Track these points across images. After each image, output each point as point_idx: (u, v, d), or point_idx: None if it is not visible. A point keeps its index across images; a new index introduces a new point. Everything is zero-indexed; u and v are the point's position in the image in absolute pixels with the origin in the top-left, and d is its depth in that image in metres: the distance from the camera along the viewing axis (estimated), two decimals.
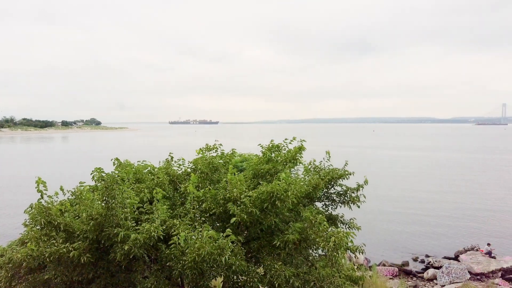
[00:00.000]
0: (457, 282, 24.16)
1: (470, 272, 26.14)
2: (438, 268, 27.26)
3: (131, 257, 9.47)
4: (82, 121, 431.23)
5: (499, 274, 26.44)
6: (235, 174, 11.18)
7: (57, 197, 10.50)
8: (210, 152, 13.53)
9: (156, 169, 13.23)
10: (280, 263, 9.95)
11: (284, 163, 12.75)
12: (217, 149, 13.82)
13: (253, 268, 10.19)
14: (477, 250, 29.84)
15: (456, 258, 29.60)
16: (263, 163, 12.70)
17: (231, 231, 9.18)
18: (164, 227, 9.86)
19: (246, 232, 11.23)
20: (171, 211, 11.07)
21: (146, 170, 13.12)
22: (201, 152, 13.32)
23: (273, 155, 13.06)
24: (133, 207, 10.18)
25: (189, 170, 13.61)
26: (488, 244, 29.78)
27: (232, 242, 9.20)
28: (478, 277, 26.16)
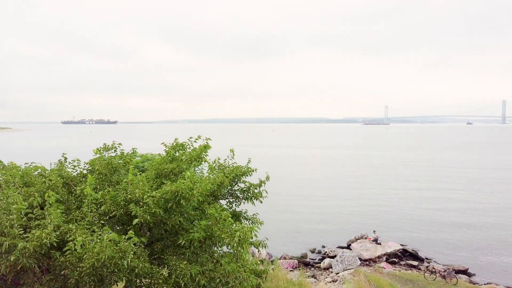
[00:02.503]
0: (349, 269, 26.31)
1: (360, 259, 28.68)
2: (333, 257, 29.39)
3: (18, 268, 8.57)
4: None
5: (384, 258, 29.45)
6: (136, 175, 10.77)
7: None
8: (109, 152, 12.83)
9: (47, 171, 12.14)
10: (186, 262, 9.85)
11: (189, 161, 12.64)
12: (116, 149, 13.16)
13: (157, 269, 9.94)
14: (365, 238, 32.81)
15: (348, 246, 32.21)
16: (167, 163, 12.44)
17: (133, 233, 8.83)
18: (58, 233, 9.10)
19: (149, 233, 10.90)
20: (65, 216, 10.27)
21: (36, 173, 11.97)
22: (98, 152, 12.57)
23: (177, 154, 12.86)
24: (21, 213, 9.21)
25: (85, 171, 12.76)
26: (374, 232, 32.90)
27: (135, 244, 8.85)
28: (367, 262, 28.81)
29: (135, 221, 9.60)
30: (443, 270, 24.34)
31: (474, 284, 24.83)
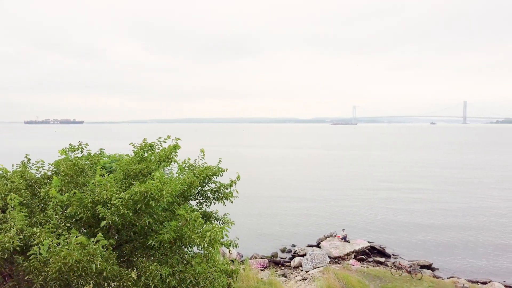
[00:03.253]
0: (319, 267, 26.70)
1: (329, 257, 29.16)
2: (303, 256, 29.75)
3: None
4: None
5: (353, 255, 30.07)
6: (104, 176, 10.55)
7: None
8: (75, 152, 12.50)
9: (9, 173, 11.70)
10: (155, 263, 9.73)
11: (158, 162, 12.49)
12: (83, 149, 12.83)
13: (126, 272, 9.77)
14: (334, 236, 33.39)
15: (318, 245, 32.68)
16: (135, 163, 12.24)
17: (101, 235, 8.65)
18: (22, 237, 8.80)
19: (117, 235, 10.70)
20: (29, 219, 9.93)
21: None
22: (64, 153, 12.22)
23: (146, 154, 12.68)
24: None
25: (50, 173, 12.37)
26: (343, 230, 33.54)
27: (103, 247, 8.67)
28: (336, 260, 29.33)
29: (103, 223, 9.41)
30: (408, 266, 25.11)
31: (437, 278, 25.73)
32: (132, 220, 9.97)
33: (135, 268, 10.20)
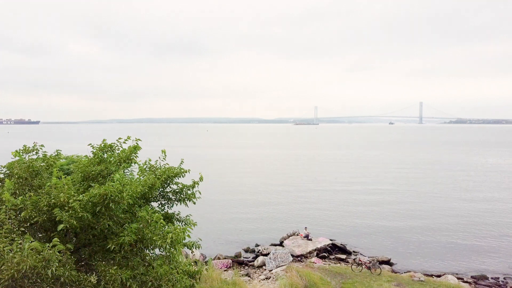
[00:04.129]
0: (282, 265, 27.00)
1: (292, 255, 29.56)
2: (266, 255, 29.98)
3: None
4: None
5: (315, 253, 30.64)
6: (61, 178, 10.22)
7: None
8: (30, 154, 12.01)
9: None
10: (116, 267, 9.54)
11: (118, 163, 12.23)
12: (38, 150, 12.34)
13: (85, 277, 9.51)
14: (297, 235, 33.87)
15: (281, 244, 33.03)
16: (94, 165, 11.93)
17: (58, 240, 8.38)
18: None
19: (75, 239, 10.39)
20: None
21: None
22: (18, 155, 11.71)
23: (105, 155, 12.38)
24: None
25: (2, 175, 11.83)
26: (306, 228, 34.08)
27: (60, 252, 8.40)
28: (299, 258, 29.78)
29: (60, 226, 9.12)
30: (368, 262, 25.89)
31: (395, 273, 26.69)
32: (91, 223, 9.72)
33: (94, 273, 9.95)
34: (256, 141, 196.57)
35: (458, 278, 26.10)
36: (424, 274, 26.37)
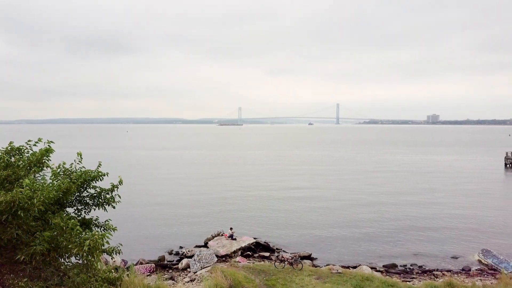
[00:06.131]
0: (207, 267, 26.91)
1: (217, 256, 29.58)
2: (190, 257, 29.64)
3: None
4: None
5: (239, 252, 30.97)
6: None
7: None
8: None
9: None
10: (26, 279, 8.86)
11: (28, 167, 11.33)
12: None
13: None
14: (222, 235, 33.96)
15: (205, 245, 32.88)
16: (0, 169, 10.93)
17: None
18: None
19: None
20: None
21: None
22: None
23: (13, 159, 11.41)
24: None
25: None
26: (231, 228, 34.30)
27: None
28: (224, 258, 29.89)
29: None
30: (290, 258, 26.80)
31: (316, 267, 27.95)
32: None
33: (1, 287, 9.14)
34: (179, 141, 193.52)
35: (372, 268, 28.08)
36: (342, 266, 27.95)
